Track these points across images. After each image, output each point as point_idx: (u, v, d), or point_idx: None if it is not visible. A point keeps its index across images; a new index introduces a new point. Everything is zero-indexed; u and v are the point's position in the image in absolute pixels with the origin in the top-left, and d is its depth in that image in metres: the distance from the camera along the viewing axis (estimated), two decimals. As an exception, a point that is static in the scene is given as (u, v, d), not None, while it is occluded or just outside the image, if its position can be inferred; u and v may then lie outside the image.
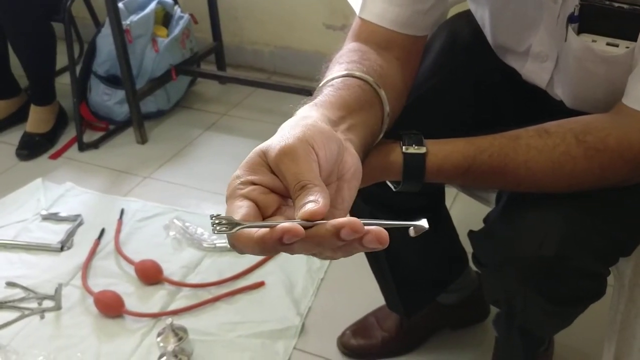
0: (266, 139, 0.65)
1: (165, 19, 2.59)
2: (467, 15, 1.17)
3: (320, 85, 0.82)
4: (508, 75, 1.09)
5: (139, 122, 2.47)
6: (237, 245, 0.58)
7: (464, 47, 1.15)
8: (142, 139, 2.49)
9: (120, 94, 2.49)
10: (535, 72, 1.03)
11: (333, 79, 0.81)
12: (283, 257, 1.85)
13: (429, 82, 1.09)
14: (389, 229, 0.56)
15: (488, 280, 1.05)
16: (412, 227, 0.60)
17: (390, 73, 0.89)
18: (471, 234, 1.04)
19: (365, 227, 0.55)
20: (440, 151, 0.87)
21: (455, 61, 1.13)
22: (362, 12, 0.95)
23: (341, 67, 0.84)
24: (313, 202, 0.57)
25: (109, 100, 2.52)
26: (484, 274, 1.05)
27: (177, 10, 2.62)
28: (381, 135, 0.85)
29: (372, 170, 0.83)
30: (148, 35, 2.48)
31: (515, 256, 0.92)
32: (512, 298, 1.00)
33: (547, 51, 1.00)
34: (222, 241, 1.89)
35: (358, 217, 0.56)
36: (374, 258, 1.38)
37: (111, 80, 2.52)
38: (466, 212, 1.42)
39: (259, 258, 1.83)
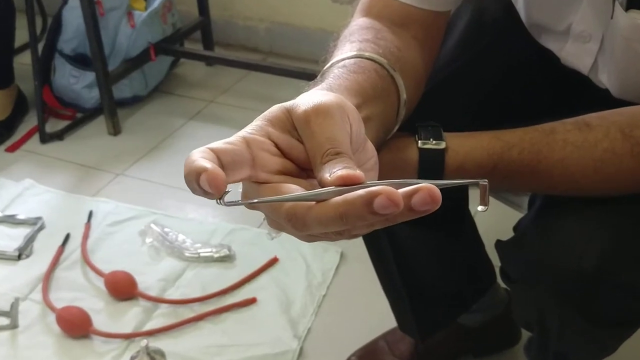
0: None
1: (143, -12, 2.53)
2: None
3: (329, 65, 0.82)
4: (544, 58, 1.09)
5: (112, 110, 2.46)
6: (297, 223, 0.55)
7: (492, 25, 1.15)
8: (115, 130, 2.48)
9: (90, 76, 2.49)
10: (576, 55, 1.03)
11: (344, 59, 0.81)
12: (278, 270, 1.86)
13: (450, 66, 1.09)
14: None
15: (518, 298, 1.05)
16: (477, 187, 0.59)
17: (408, 56, 0.89)
18: (499, 244, 1.04)
19: (413, 186, 0.52)
20: (462, 147, 0.87)
21: (481, 41, 1.14)
22: None
23: (352, 46, 0.84)
24: (349, 168, 0.55)
25: (76, 83, 2.52)
26: (513, 291, 1.05)
27: (157, -21, 2.54)
28: (396, 128, 0.86)
29: (382, 168, 0.83)
30: (123, 8, 2.48)
31: (550, 270, 0.92)
32: (547, 319, 1.00)
33: (590, 30, 1.00)
34: (207, 250, 1.89)
35: None
36: (384, 271, 1.38)
37: (79, 61, 2.52)
38: (494, 218, 1.42)
39: (250, 270, 1.84)
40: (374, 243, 1.35)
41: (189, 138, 2.45)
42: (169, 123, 2.53)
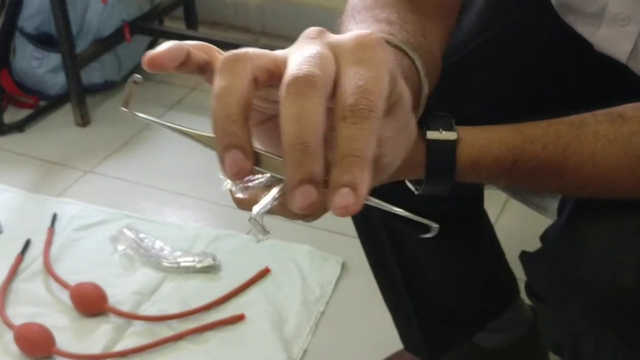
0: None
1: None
2: None
3: None
4: (574, 43, 1.09)
5: (80, 97, 2.47)
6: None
7: (516, 3, 1.16)
8: (83, 120, 2.49)
9: (55, 58, 2.49)
10: (612, 40, 1.03)
11: None
12: (269, 283, 1.86)
13: (465, 48, 1.09)
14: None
15: (547, 318, 1.05)
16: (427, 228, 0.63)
17: (431, 43, 0.90)
18: (524, 256, 1.03)
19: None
20: (477, 139, 0.86)
21: (503, 20, 1.13)
22: None
23: (378, 27, 0.84)
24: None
25: (39, 67, 2.52)
26: (541, 310, 1.05)
27: None
28: (420, 111, 0.85)
29: None
30: None
31: (583, 286, 0.91)
32: (579, 342, 0.98)
33: (628, 12, 0.99)
34: (188, 259, 1.90)
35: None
36: (388, 284, 1.38)
37: (43, 40, 2.52)
38: (518, 225, 1.42)
39: (238, 283, 1.84)
40: (374, 248, 1.35)
41: (167, 130, 2.43)
42: (146, 113, 2.47)
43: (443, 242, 1.26)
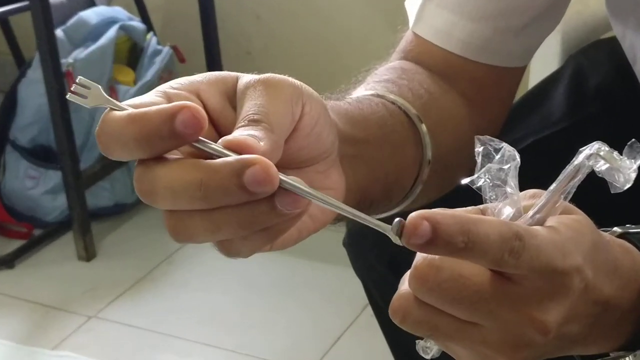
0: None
1: (131, 54, 2.58)
2: (610, 45, 1.20)
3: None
4: None
5: (84, 225, 2.36)
6: (102, 135, 0.57)
7: (596, 94, 1.19)
8: (88, 253, 2.39)
9: (54, 177, 2.43)
10: None
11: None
12: None
13: (539, 133, 1.15)
14: None
15: None
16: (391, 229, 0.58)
17: (443, 101, 0.94)
18: None
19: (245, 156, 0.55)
20: None
21: (581, 112, 1.18)
22: (417, 25, 0.99)
23: (367, 87, 0.90)
24: (251, 136, 0.57)
25: (34, 187, 2.46)
26: None
27: (152, 40, 2.60)
28: (417, 190, 0.88)
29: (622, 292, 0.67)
30: (103, 82, 2.43)
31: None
32: None
33: None
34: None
35: None
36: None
37: (39, 155, 2.48)
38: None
39: None
40: None
41: (191, 263, 2.36)
42: (164, 242, 2.41)
43: None
